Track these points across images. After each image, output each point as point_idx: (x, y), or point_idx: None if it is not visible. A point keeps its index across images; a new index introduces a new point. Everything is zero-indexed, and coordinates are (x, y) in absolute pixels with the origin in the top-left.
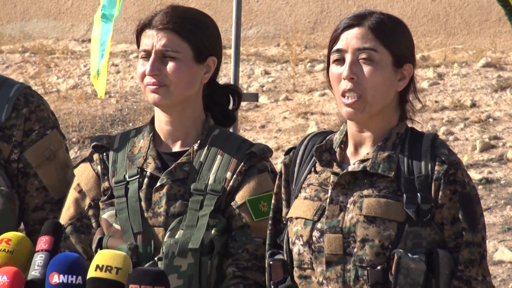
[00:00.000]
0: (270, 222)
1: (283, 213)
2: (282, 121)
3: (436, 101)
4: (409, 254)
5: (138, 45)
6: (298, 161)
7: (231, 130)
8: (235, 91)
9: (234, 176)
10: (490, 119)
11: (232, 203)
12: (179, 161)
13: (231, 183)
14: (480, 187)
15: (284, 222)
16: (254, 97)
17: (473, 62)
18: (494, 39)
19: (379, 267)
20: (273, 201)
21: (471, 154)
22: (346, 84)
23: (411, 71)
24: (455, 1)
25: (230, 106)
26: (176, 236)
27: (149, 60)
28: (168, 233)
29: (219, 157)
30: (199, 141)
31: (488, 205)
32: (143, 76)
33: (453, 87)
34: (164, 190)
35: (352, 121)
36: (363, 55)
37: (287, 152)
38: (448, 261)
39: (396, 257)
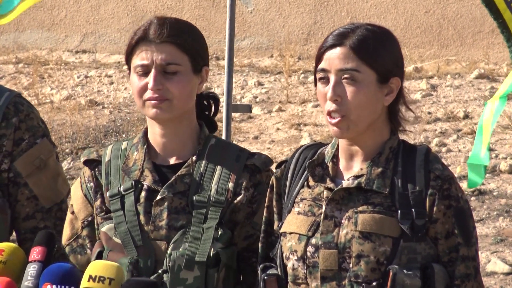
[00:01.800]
0: (262, 235)
1: (275, 226)
2: (275, 132)
3: (429, 113)
4: (404, 270)
5: (127, 61)
6: (290, 174)
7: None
8: (214, 98)
9: (239, 190)
10: None
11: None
12: (179, 173)
13: (238, 198)
14: (472, 198)
15: (276, 235)
16: (248, 108)
17: (466, 73)
18: (487, 50)
19: (374, 283)
20: (264, 213)
21: (464, 166)
22: (330, 105)
23: (398, 84)
24: (448, 13)
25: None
26: (181, 249)
27: (150, 75)
28: (171, 246)
29: (219, 167)
30: (197, 152)
31: (480, 217)
32: (142, 91)
33: (446, 99)
34: (165, 203)
35: (339, 138)
36: (346, 76)
37: (278, 165)
38: (443, 276)
39: (391, 273)
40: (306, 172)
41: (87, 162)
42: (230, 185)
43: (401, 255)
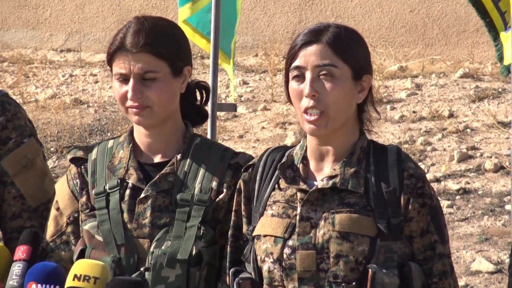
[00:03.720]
0: (230, 239)
1: (244, 230)
2: (261, 131)
3: (414, 112)
4: (383, 269)
5: (109, 64)
6: (258, 177)
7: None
8: (203, 86)
9: (223, 188)
10: (468, 130)
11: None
12: (163, 171)
13: (221, 196)
14: (457, 197)
15: (244, 239)
16: (233, 107)
17: (451, 72)
18: (472, 49)
19: (354, 283)
20: (232, 217)
21: (448, 165)
22: (308, 102)
23: (369, 81)
24: (433, 12)
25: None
26: (163, 247)
27: (129, 84)
28: (154, 244)
29: (203, 166)
30: (182, 151)
31: (465, 215)
32: (124, 99)
33: (431, 98)
34: (149, 201)
35: (315, 136)
36: (323, 71)
37: (245, 169)
38: (419, 274)
39: (370, 272)
40: (275, 174)
41: (73, 160)
42: (214, 184)
43: (379, 254)
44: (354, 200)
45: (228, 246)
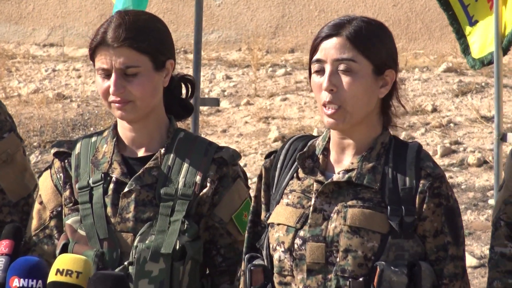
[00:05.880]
0: (248, 225)
1: (262, 216)
2: (244, 126)
3: (397, 106)
4: (392, 267)
5: (92, 59)
6: (279, 165)
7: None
8: (188, 79)
9: (206, 183)
10: (451, 124)
11: (216, 220)
12: (147, 165)
13: (204, 191)
14: None
15: (263, 225)
16: (215, 101)
17: (434, 67)
18: (455, 44)
19: (361, 279)
20: (252, 203)
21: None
22: (326, 96)
23: (393, 76)
24: (416, 6)
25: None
26: (147, 241)
27: (111, 79)
28: (138, 238)
29: (187, 160)
30: (165, 145)
31: None
32: (106, 93)
33: (414, 92)
34: (133, 195)
35: (334, 130)
36: (342, 66)
37: (267, 156)
38: (430, 274)
39: (378, 269)
40: (296, 163)
41: (57, 154)
42: (198, 178)
43: (389, 251)
44: (368, 196)
45: (246, 232)
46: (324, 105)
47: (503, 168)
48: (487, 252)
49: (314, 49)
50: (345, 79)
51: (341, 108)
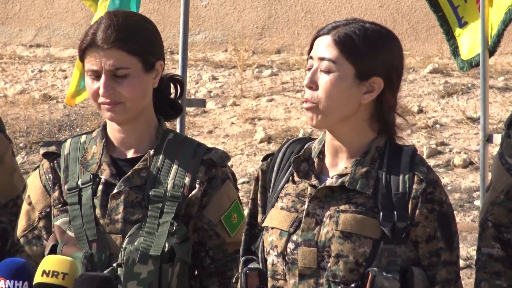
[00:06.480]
0: (246, 227)
1: (259, 219)
2: (230, 127)
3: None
4: (384, 273)
5: (81, 60)
6: (275, 168)
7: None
8: (177, 80)
9: (195, 184)
10: (437, 125)
11: (205, 221)
12: (136, 167)
13: (193, 192)
14: None
15: (260, 228)
16: (202, 102)
17: (420, 68)
18: (441, 45)
19: (353, 285)
20: (249, 206)
21: None
22: (306, 92)
23: (381, 84)
24: (402, 7)
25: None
26: (136, 243)
27: (100, 81)
28: (127, 240)
29: (176, 162)
30: (155, 147)
31: None
32: (96, 95)
33: (400, 93)
34: (122, 197)
35: (313, 127)
36: (323, 65)
37: (264, 158)
38: (422, 280)
39: (370, 275)
40: (291, 167)
41: (46, 155)
42: (187, 180)
43: (381, 257)
44: (361, 201)
45: (244, 234)
46: (306, 101)
47: (489, 169)
48: (473, 253)
49: (310, 46)
50: (323, 79)
51: (315, 106)
